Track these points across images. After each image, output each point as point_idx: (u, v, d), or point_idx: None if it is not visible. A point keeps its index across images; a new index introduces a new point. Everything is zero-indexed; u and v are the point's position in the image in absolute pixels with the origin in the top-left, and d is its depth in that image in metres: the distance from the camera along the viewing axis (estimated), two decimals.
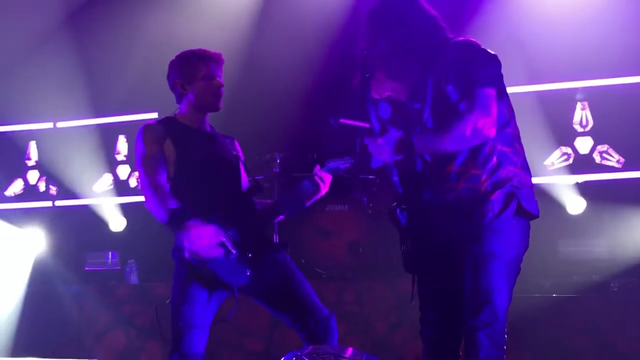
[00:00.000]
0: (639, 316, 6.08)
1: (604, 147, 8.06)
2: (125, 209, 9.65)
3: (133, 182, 9.80)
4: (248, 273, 4.29)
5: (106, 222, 9.56)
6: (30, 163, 10.23)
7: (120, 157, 9.89)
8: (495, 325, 3.53)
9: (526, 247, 3.68)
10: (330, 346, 4.18)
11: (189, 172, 4.39)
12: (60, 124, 10.06)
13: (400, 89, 3.82)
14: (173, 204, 4.23)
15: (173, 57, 4.64)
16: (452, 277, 3.70)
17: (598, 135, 8.10)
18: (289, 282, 4.43)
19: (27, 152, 10.24)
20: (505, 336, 3.58)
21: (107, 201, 9.69)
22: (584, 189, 7.86)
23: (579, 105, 8.15)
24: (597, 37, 7.89)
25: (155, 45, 9.24)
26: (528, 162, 3.77)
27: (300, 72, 8.13)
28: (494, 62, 3.64)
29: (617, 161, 8.00)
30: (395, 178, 3.86)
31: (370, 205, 7.33)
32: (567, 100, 8.17)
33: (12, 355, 7.36)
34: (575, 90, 8.14)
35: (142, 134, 4.42)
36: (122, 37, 9.45)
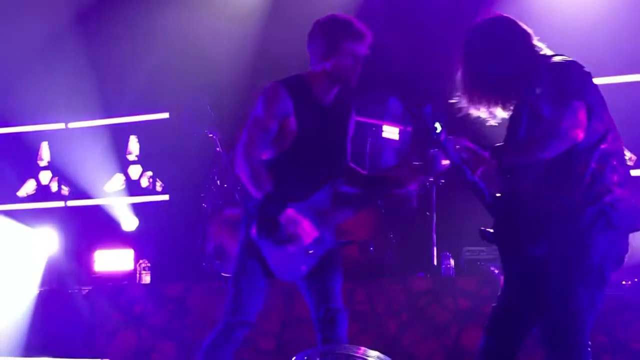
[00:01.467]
0: None
1: None
2: (137, 208, 9.66)
3: (144, 182, 9.82)
4: (303, 268, 4.27)
5: (118, 221, 9.58)
6: (42, 164, 10.27)
7: (131, 157, 9.92)
8: (566, 329, 3.66)
9: (617, 259, 3.74)
10: (341, 345, 4.17)
11: (301, 151, 4.28)
12: (71, 125, 10.10)
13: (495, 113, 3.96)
14: (268, 182, 4.13)
15: (326, 17, 4.40)
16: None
17: None
18: (324, 270, 4.38)
19: (39, 153, 10.27)
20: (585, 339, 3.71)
21: (119, 201, 9.71)
22: None
23: None
24: (598, 36, 7.87)
25: (166, 45, 9.27)
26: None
27: None
28: (585, 78, 3.72)
29: (629, 159, 7.97)
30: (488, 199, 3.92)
31: (383, 204, 7.32)
32: None
33: (24, 355, 7.38)
34: None
35: (265, 99, 4.27)
36: (133, 37, 9.47)
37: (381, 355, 3.88)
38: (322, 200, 4.36)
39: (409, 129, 7.87)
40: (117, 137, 9.90)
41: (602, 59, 7.89)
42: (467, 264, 7.21)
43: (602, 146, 3.69)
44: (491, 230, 3.91)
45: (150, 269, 8.01)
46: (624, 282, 6.63)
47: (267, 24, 8.95)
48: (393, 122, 7.90)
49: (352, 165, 4.58)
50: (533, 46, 3.91)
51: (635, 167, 7.94)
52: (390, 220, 7.27)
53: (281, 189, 4.16)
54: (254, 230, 4.20)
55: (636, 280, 6.60)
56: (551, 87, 3.69)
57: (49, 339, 7.54)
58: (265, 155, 4.29)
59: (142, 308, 7.24)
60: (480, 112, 3.96)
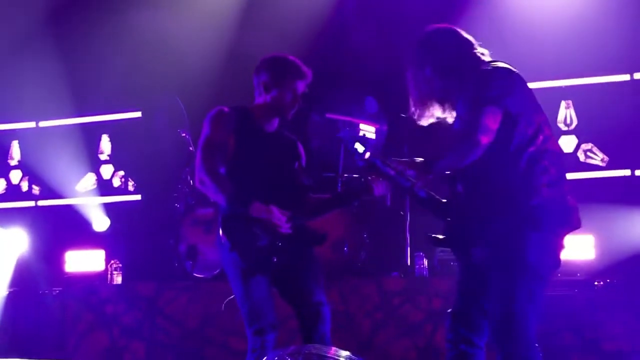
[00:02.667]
0: (623, 315, 6.09)
1: (589, 146, 8.09)
2: (109, 208, 9.60)
3: (116, 182, 9.75)
4: (274, 260, 4.44)
5: (89, 221, 9.51)
6: (13, 163, 10.17)
7: (103, 157, 9.85)
8: (509, 327, 3.78)
9: (552, 258, 3.86)
10: (312, 345, 4.18)
11: (240, 172, 4.55)
12: (42, 124, 10.02)
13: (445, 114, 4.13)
14: (230, 187, 4.44)
15: (273, 55, 4.76)
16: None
17: (582, 134, 8.12)
18: (299, 268, 4.56)
19: (10, 152, 10.18)
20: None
21: (90, 201, 9.63)
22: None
23: (563, 103, 8.17)
24: (581, 36, 7.92)
25: (138, 44, 9.21)
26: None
27: None
28: (509, 84, 3.85)
29: (602, 160, 8.03)
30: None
31: (355, 204, 7.31)
32: (551, 99, 8.19)
33: None
34: (559, 89, 8.17)
35: (212, 119, 4.60)
36: (105, 36, 9.41)
37: (352, 356, 3.90)
38: (283, 204, 4.52)
39: (385, 127, 7.89)
40: (89, 136, 9.84)
41: (581, 59, 7.97)
42: (440, 264, 7.23)
43: (531, 148, 3.82)
44: (440, 236, 4.03)
45: (121, 269, 7.95)
46: (596, 283, 6.67)
47: (240, 25, 8.93)
48: (369, 120, 7.91)
49: (307, 195, 4.81)
50: (474, 54, 4.04)
51: (608, 167, 8.00)
52: (364, 220, 7.27)
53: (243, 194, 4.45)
54: (222, 235, 4.42)
55: (608, 280, 6.64)
56: (471, 93, 3.86)
57: (19, 339, 7.47)
58: (220, 168, 4.56)
59: (114, 308, 7.19)
60: (430, 118, 4.13)
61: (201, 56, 8.85)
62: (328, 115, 7.45)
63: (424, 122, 4.14)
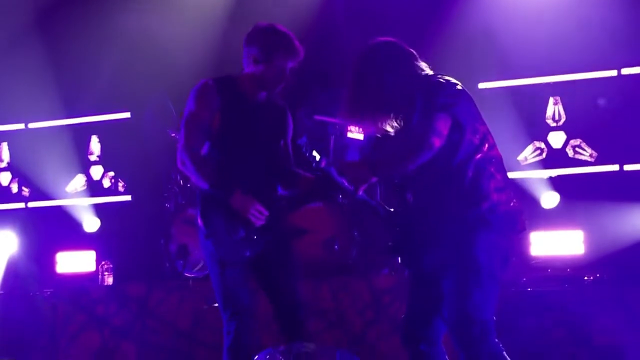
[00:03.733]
0: (613, 309, 6.11)
1: (577, 142, 8.11)
2: (99, 209, 9.59)
3: (107, 183, 9.74)
4: (247, 254, 4.47)
5: (80, 223, 9.49)
6: (2, 165, 10.15)
7: (93, 158, 9.84)
8: (466, 328, 3.90)
9: (503, 259, 3.98)
10: (303, 344, 4.21)
11: (227, 145, 4.55)
12: (32, 125, 9.99)
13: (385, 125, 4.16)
14: (211, 172, 4.45)
15: (265, 24, 4.65)
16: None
17: (571, 130, 8.14)
18: (276, 264, 4.59)
19: None
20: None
21: (80, 202, 9.62)
22: (557, 183, 7.90)
23: (551, 100, 8.20)
24: (569, 32, 7.94)
25: (128, 45, 9.20)
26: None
27: None
28: (456, 94, 3.96)
29: (590, 155, 8.05)
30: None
31: (345, 201, 7.32)
32: (539, 96, 8.21)
33: None
34: (548, 85, 8.19)
35: (196, 94, 4.56)
36: (94, 36, 9.39)
37: (345, 352, 3.94)
38: (263, 192, 4.55)
39: None
40: (78, 137, 9.82)
41: (569, 55, 7.99)
42: None
43: (478, 156, 3.95)
44: (389, 244, 4.13)
45: (112, 270, 7.95)
46: (585, 278, 6.69)
47: (228, 24, 8.92)
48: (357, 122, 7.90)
49: (292, 168, 4.80)
50: (416, 67, 4.10)
51: (597, 163, 8.03)
52: (355, 218, 7.28)
53: (223, 181, 4.46)
54: (199, 220, 4.48)
55: (597, 275, 6.67)
56: (420, 102, 3.95)
57: (10, 341, 7.46)
58: (203, 150, 4.56)
59: (105, 309, 7.18)
60: (371, 129, 4.19)
61: (190, 56, 8.84)
62: (316, 117, 7.46)
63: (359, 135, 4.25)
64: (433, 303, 4.05)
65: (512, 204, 3.98)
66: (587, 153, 8.06)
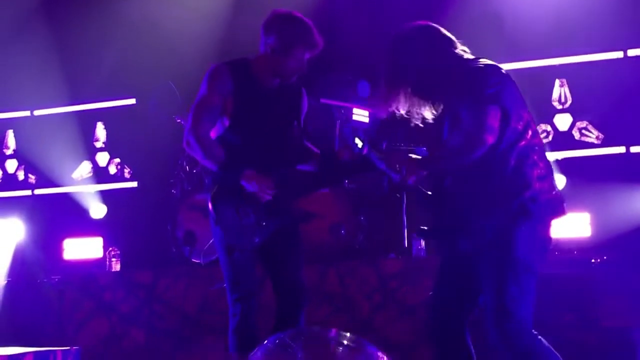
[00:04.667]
0: (621, 291, 6.11)
1: (583, 124, 8.09)
2: (105, 196, 9.60)
3: (112, 169, 9.75)
4: (256, 240, 4.47)
5: (86, 209, 9.51)
6: (8, 152, 10.16)
7: (99, 144, 9.85)
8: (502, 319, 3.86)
9: (541, 249, 3.97)
10: (313, 328, 4.21)
11: (240, 131, 4.51)
12: (37, 112, 10.00)
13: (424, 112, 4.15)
14: (219, 153, 4.43)
15: (285, 12, 4.57)
16: None
17: (577, 112, 8.12)
18: (283, 251, 4.59)
19: (5, 141, 10.17)
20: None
21: (86, 189, 9.63)
22: (564, 165, 7.88)
23: (557, 82, 8.17)
24: (575, 14, 7.90)
25: (132, 31, 9.18)
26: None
27: None
28: (501, 81, 3.91)
29: (596, 137, 8.03)
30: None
31: (352, 187, 7.32)
32: (546, 77, 8.18)
33: None
34: (553, 67, 8.17)
35: (209, 77, 4.51)
36: (99, 23, 9.37)
37: (355, 337, 3.93)
38: (274, 177, 4.50)
39: None
40: (84, 124, 9.82)
41: (575, 36, 7.95)
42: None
43: (521, 144, 3.90)
44: (425, 228, 4.12)
45: (119, 256, 7.96)
46: (592, 260, 6.68)
47: (232, 9, 8.90)
48: (363, 105, 7.91)
49: (307, 144, 4.77)
50: (455, 52, 4.06)
51: (603, 145, 8.01)
52: (361, 202, 7.28)
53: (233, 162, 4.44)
54: (209, 205, 4.45)
55: (605, 258, 6.66)
56: (467, 92, 3.89)
57: (18, 328, 7.48)
58: (213, 134, 4.53)
59: (113, 295, 7.20)
60: (407, 113, 4.13)
61: (194, 41, 8.83)
62: (322, 100, 7.45)
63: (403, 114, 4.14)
64: (462, 290, 4.04)
65: (554, 192, 3.95)
66: (593, 135, 8.04)
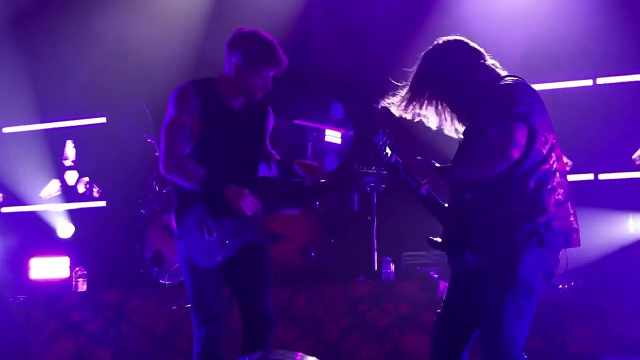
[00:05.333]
0: (588, 317, 6.14)
1: None
2: (74, 215, 9.53)
3: (81, 188, 9.68)
4: (219, 259, 4.42)
5: (54, 228, 9.43)
6: None
7: (68, 163, 9.77)
8: (495, 337, 3.87)
9: (546, 274, 3.94)
10: (278, 351, 4.19)
11: (206, 152, 4.47)
12: (6, 130, 9.91)
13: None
14: (199, 170, 4.39)
15: (249, 31, 4.57)
16: None
17: None
18: (249, 272, 4.55)
19: None
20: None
21: (54, 207, 9.55)
22: None
23: None
24: (545, 41, 7.98)
25: (103, 48, 9.16)
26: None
27: None
28: (532, 101, 3.91)
29: (566, 164, 8.09)
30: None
31: (323, 209, 7.32)
32: None
33: None
34: None
35: (175, 98, 4.48)
36: (70, 40, 9.33)
37: None
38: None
39: (351, 133, 7.91)
40: (54, 142, 9.75)
41: (549, 65, 8.03)
42: (407, 268, 7.24)
43: (544, 167, 3.90)
44: (438, 239, 4.11)
45: (86, 276, 7.90)
46: (560, 286, 6.72)
47: (205, 28, 8.90)
48: (335, 126, 7.93)
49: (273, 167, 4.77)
50: (486, 66, 4.08)
51: (572, 172, 8.07)
52: (332, 225, 7.28)
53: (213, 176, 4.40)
54: (173, 222, 4.43)
55: (572, 283, 6.70)
56: (496, 108, 3.88)
57: None
58: (184, 150, 4.49)
59: (79, 315, 7.13)
60: (433, 122, 4.16)
61: (167, 60, 8.82)
62: (295, 121, 7.46)
63: (408, 115, 4.16)
64: (466, 305, 4.04)
65: (569, 221, 3.93)
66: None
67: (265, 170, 4.75)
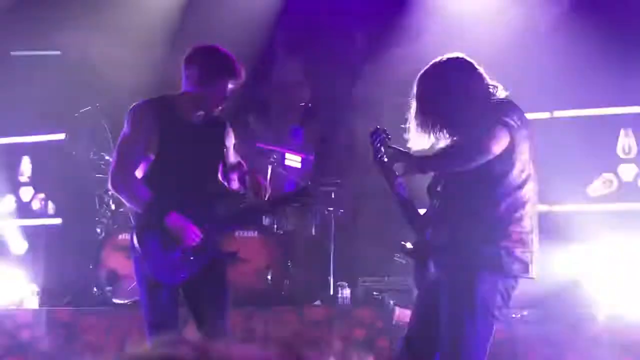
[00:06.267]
0: (541, 346, 6.19)
1: None
2: (28, 231, 9.41)
3: (36, 205, 9.57)
4: (183, 275, 4.41)
5: (7, 245, 9.30)
6: None
7: (23, 179, 9.65)
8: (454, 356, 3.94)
9: (503, 296, 3.96)
10: None
11: (165, 167, 4.47)
12: None
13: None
14: (145, 193, 4.36)
15: (206, 45, 4.62)
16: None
17: None
18: (208, 292, 4.54)
19: None
20: None
21: (8, 223, 9.43)
22: None
23: None
24: (502, 74, 8.05)
25: (63, 64, 9.09)
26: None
27: None
28: (522, 120, 3.96)
29: None
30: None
31: (280, 231, 7.34)
32: None
33: None
34: None
35: (131, 117, 4.48)
36: (29, 57, 9.26)
37: None
38: (201, 211, 4.49)
39: (311, 157, 7.95)
40: (9, 157, 9.63)
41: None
42: (363, 293, 7.27)
43: (517, 194, 3.94)
44: (409, 245, 4.15)
45: (39, 293, 7.80)
46: (513, 315, 6.76)
47: (168, 48, 8.89)
48: (295, 150, 7.96)
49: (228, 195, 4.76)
50: (488, 88, 4.13)
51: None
52: (289, 248, 7.29)
53: (159, 201, 4.40)
54: (134, 240, 4.42)
55: (525, 313, 6.75)
56: (484, 117, 3.93)
57: None
58: (141, 172, 4.51)
59: (31, 333, 7.04)
60: (425, 139, 4.16)
61: (128, 78, 8.77)
62: (258, 145, 7.47)
63: (417, 146, 4.16)
64: (430, 325, 4.05)
65: (530, 250, 3.96)
66: None
67: (227, 186, 4.74)
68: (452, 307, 3.90)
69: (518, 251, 3.91)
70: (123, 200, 4.53)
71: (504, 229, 3.90)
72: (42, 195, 9.58)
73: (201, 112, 4.60)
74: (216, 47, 4.61)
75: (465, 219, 3.95)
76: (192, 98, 4.55)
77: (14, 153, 9.65)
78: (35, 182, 9.63)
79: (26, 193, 9.62)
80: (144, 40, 8.97)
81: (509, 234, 3.89)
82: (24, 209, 9.57)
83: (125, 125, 4.49)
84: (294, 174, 7.73)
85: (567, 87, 8.00)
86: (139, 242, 4.42)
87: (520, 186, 3.94)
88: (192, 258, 4.43)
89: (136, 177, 4.45)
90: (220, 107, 4.61)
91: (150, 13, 8.97)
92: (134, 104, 4.56)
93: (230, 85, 4.54)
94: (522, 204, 3.95)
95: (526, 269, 3.97)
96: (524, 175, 3.95)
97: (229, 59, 4.55)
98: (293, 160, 7.84)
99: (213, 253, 4.52)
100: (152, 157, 4.50)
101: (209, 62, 4.54)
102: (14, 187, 9.63)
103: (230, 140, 4.79)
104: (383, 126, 4.26)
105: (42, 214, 9.57)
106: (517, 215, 3.93)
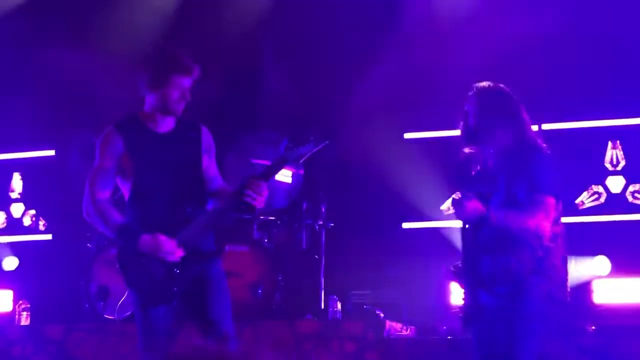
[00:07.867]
0: None
1: None
2: (19, 248, 9.40)
3: (27, 221, 9.57)
4: (175, 290, 4.38)
5: None
6: None
7: (14, 195, 9.66)
8: None
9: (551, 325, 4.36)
10: None
11: (142, 184, 4.48)
12: None
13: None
14: (117, 218, 4.36)
15: (149, 54, 4.72)
16: None
17: None
18: (206, 293, 4.50)
19: None
20: None
21: None
22: None
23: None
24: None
25: (52, 81, 9.09)
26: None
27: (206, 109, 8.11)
28: (557, 171, 4.27)
29: None
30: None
31: (271, 246, 7.35)
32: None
33: None
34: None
35: (100, 144, 4.54)
36: (19, 72, 9.26)
37: None
38: (179, 218, 4.45)
39: (301, 171, 7.96)
40: (0, 174, 9.63)
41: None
42: (354, 307, 7.28)
43: (556, 229, 4.22)
44: (456, 269, 4.39)
45: (29, 310, 7.79)
46: None
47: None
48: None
49: (216, 183, 4.71)
50: (524, 119, 4.44)
51: None
52: (279, 262, 7.30)
53: (143, 222, 4.39)
54: (120, 270, 4.41)
55: None
56: (531, 175, 4.19)
57: None
58: (125, 195, 4.56)
59: (22, 350, 7.03)
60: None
61: (119, 96, 8.79)
62: (253, 160, 7.48)
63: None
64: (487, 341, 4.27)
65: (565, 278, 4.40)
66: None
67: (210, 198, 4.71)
68: (508, 329, 4.14)
69: (560, 280, 4.30)
70: (96, 227, 4.51)
71: (548, 259, 4.17)
72: (33, 212, 9.58)
73: (168, 118, 4.56)
74: (164, 47, 4.68)
75: (512, 247, 4.18)
76: (153, 105, 4.52)
77: (5, 169, 9.65)
78: (26, 199, 9.63)
79: (17, 209, 9.62)
80: (135, 56, 8.99)
81: (553, 264, 4.19)
82: (14, 225, 9.57)
83: (95, 153, 4.56)
84: (284, 188, 7.74)
85: (555, 100, 8.05)
86: (121, 269, 4.41)
87: (556, 220, 4.22)
88: (178, 271, 4.38)
89: (108, 204, 4.45)
90: (182, 106, 4.53)
91: (142, 30, 9.00)
92: (103, 133, 4.59)
93: (185, 81, 4.49)
94: (559, 236, 4.25)
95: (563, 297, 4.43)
96: (558, 211, 4.24)
97: (176, 54, 4.53)
98: (284, 175, 7.85)
99: (202, 261, 4.48)
100: (130, 178, 4.50)
101: (156, 61, 4.55)
102: (5, 203, 9.63)
103: (209, 143, 4.72)
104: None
105: (33, 230, 9.56)
106: (557, 245, 4.23)
